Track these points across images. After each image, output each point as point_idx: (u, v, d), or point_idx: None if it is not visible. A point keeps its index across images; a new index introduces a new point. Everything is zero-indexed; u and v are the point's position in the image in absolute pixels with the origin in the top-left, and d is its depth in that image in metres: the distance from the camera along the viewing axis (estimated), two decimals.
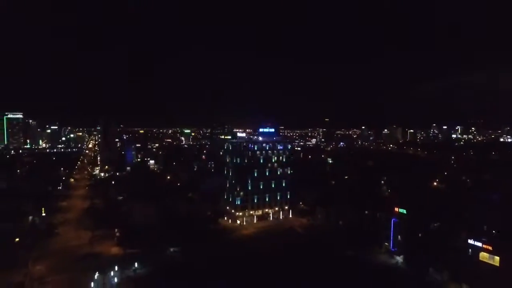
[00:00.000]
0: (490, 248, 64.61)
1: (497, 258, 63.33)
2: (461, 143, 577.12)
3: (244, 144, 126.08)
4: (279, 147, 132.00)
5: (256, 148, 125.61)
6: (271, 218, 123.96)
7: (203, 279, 74.49)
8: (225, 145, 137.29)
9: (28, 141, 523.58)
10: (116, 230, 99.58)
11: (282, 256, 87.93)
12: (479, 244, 66.53)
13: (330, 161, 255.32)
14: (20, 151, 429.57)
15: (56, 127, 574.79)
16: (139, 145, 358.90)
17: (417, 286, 71.80)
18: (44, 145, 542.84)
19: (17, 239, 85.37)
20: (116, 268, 77.17)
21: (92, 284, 71.25)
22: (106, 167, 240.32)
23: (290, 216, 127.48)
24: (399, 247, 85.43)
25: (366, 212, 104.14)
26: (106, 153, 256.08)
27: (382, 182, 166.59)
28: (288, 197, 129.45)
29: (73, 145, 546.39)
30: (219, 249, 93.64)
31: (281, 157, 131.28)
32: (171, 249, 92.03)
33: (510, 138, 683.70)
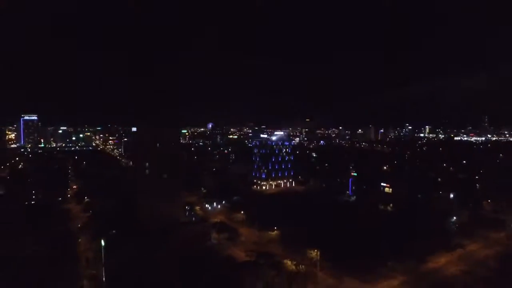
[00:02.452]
0: (388, 185, 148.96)
1: (390, 189, 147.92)
2: (424, 141, 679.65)
3: (267, 141, 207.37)
4: (286, 143, 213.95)
5: (273, 144, 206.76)
6: (282, 186, 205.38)
7: (257, 209, 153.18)
8: (254, 142, 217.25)
9: (42, 140, 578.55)
10: (202, 189, 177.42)
11: (292, 202, 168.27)
12: (384, 184, 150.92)
13: (314, 155, 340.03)
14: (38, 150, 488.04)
15: (65, 128, 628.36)
16: None
17: (359, 207, 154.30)
18: (54, 144, 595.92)
19: None
20: (214, 203, 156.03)
21: (209, 207, 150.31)
22: None
23: (293, 185, 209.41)
24: (353, 192, 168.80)
25: (338, 180, 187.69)
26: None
27: (350, 167, 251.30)
28: (292, 173, 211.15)
29: (84, 144, 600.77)
30: (259, 198, 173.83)
31: (286, 149, 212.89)
32: (234, 198, 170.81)
33: (466, 137, 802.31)
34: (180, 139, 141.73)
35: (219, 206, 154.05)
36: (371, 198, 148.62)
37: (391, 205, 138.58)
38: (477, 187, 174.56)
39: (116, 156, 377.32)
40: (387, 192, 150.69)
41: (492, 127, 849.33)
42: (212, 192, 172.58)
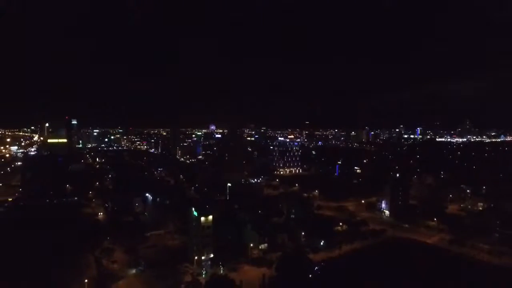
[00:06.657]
0: (358, 168, 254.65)
1: (359, 170, 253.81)
2: (410, 142, 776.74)
3: (284, 142, 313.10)
4: (295, 143, 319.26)
5: (287, 144, 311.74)
6: (293, 172, 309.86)
7: (283, 179, 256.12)
8: (274, 142, 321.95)
9: (80, 141, 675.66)
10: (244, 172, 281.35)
11: (300, 177, 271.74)
12: (356, 168, 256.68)
13: (314, 152, 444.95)
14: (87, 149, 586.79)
15: (98, 130, 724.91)
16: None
17: (339, 179, 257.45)
18: (89, 145, 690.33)
19: None
20: (255, 179, 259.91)
21: (253, 181, 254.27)
22: (186, 156, 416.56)
23: (301, 171, 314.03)
24: (338, 173, 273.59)
25: (330, 167, 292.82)
26: (183, 148, 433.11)
27: (340, 160, 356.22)
28: (299, 164, 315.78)
29: (115, 144, 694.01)
30: (281, 177, 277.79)
31: (295, 148, 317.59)
32: (266, 177, 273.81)
33: (449, 138, 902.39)
34: (245, 139, 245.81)
35: (258, 180, 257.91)
36: (347, 175, 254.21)
37: (358, 179, 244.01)
38: (417, 170, 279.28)
39: (162, 153, 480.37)
40: (357, 172, 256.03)
41: (477, 129, 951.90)
42: (250, 173, 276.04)
